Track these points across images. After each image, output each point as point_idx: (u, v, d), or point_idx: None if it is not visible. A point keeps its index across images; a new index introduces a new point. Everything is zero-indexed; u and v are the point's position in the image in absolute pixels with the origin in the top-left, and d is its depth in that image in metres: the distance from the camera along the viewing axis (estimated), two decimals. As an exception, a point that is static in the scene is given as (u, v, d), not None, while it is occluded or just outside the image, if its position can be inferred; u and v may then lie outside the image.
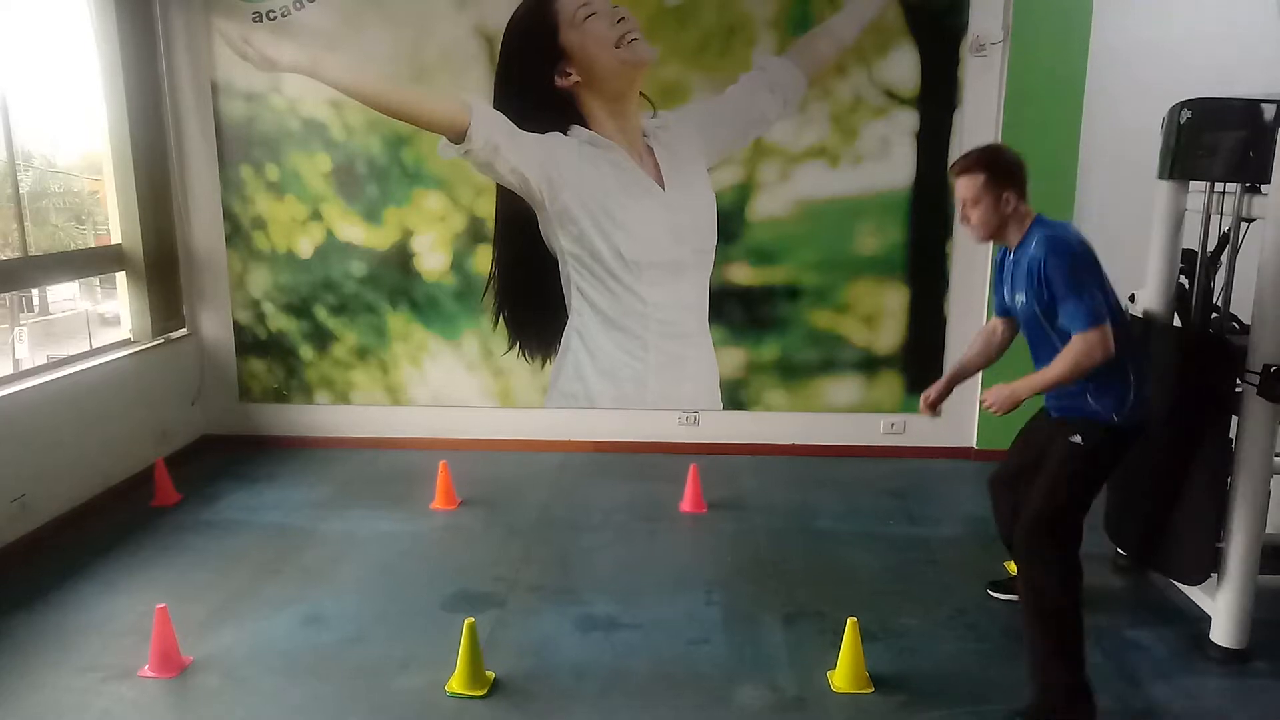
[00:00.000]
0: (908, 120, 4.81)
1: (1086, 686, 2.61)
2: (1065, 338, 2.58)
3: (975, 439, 5.11)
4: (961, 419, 5.11)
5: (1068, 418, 2.74)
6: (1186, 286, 3.32)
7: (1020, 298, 2.73)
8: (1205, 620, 3.14)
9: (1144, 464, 3.40)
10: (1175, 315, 3.35)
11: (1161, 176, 3.30)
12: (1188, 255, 3.31)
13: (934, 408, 3.11)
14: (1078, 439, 2.67)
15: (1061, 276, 2.55)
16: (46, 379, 4.10)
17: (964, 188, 2.70)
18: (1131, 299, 3.50)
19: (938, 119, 4.81)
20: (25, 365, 4.58)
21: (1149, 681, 2.89)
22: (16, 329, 6.91)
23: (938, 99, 4.79)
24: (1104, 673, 2.92)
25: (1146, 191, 3.47)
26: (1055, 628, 2.61)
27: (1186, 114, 3.13)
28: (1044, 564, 2.63)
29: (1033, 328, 2.75)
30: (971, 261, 4.94)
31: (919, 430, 5.14)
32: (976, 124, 4.80)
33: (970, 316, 4.99)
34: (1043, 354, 2.72)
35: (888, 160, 4.84)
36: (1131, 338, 2.75)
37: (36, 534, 3.90)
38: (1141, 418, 2.68)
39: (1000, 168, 2.67)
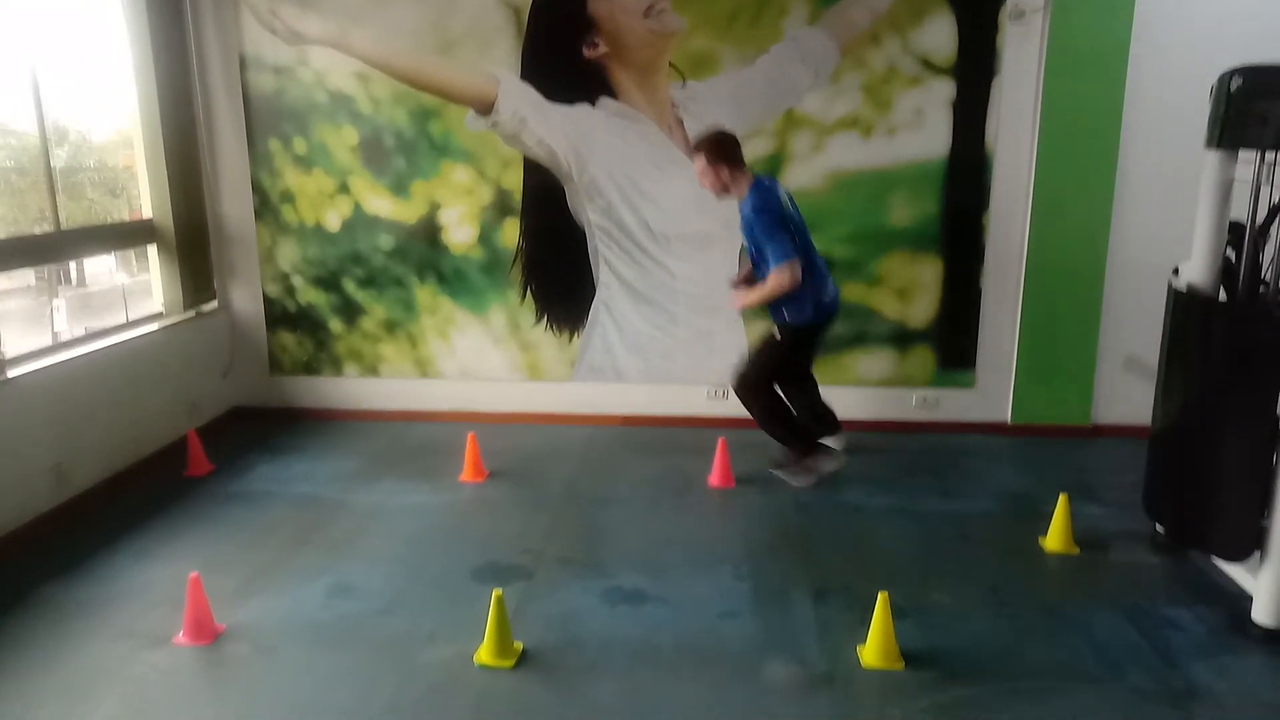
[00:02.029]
0: (943, 90, 4.70)
1: (811, 439, 4.24)
2: (768, 265, 3.82)
3: (1010, 414, 5.03)
4: (996, 393, 5.03)
5: (775, 322, 4.10)
6: (1233, 260, 3.22)
7: (745, 236, 3.95)
8: (1246, 599, 3.08)
9: (1184, 438, 3.33)
10: (1221, 289, 3.25)
11: (1210, 146, 3.19)
12: (1235, 227, 3.20)
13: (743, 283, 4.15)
14: (776, 334, 4.09)
15: (760, 228, 3.81)
16: (83, 351, 4.14)
17: (695, 164, 3.92)
18: (1175, 272, 3.41)
19: (975, 88, 4.70)
20: (64, 337, 4.64)
21: (1188, 661, 2.83)
22: (55, 301, 7.01)
23: (975, 68, 4.67)
24: (1142, 652, 2.87)
25: (1193, 161, 3.37)
26: (778, 424, 4.17)
27: (1237, 81, 3.02)
28: (755, 400, 4.13)
29: (752, 257, 3.98)
30: (1008, 233, 4.84)
31: (951, 405, 5.07)
32: (1015, 93, 4.68)
33: (1006, 288, 4.89)
34: (761, 274, 3.92)
35: (922, 131, 4.74)
36: (811, 262, 3.94)
37: (73, 503, 3.96)
38: (817, 320, 4.04)
39: (715, 151, 3.85)
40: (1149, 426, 3.63)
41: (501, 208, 4.97)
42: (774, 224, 3.78)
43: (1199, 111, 3.26)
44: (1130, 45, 4.55)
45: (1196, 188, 3.26)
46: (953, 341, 4.99)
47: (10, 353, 3.88)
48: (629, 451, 4.80)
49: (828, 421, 4.39)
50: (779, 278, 3.78)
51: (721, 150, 3.85)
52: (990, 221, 4.85)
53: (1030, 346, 4.91)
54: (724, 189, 3.90)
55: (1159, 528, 3.61)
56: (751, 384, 4.11)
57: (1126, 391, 4.91)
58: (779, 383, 4.21)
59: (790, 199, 3.99)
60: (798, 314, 3.96)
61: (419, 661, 2.84)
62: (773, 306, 4.00)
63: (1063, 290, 4.83)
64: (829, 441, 4.33)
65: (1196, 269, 3.27)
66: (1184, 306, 3.32)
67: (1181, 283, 3.34)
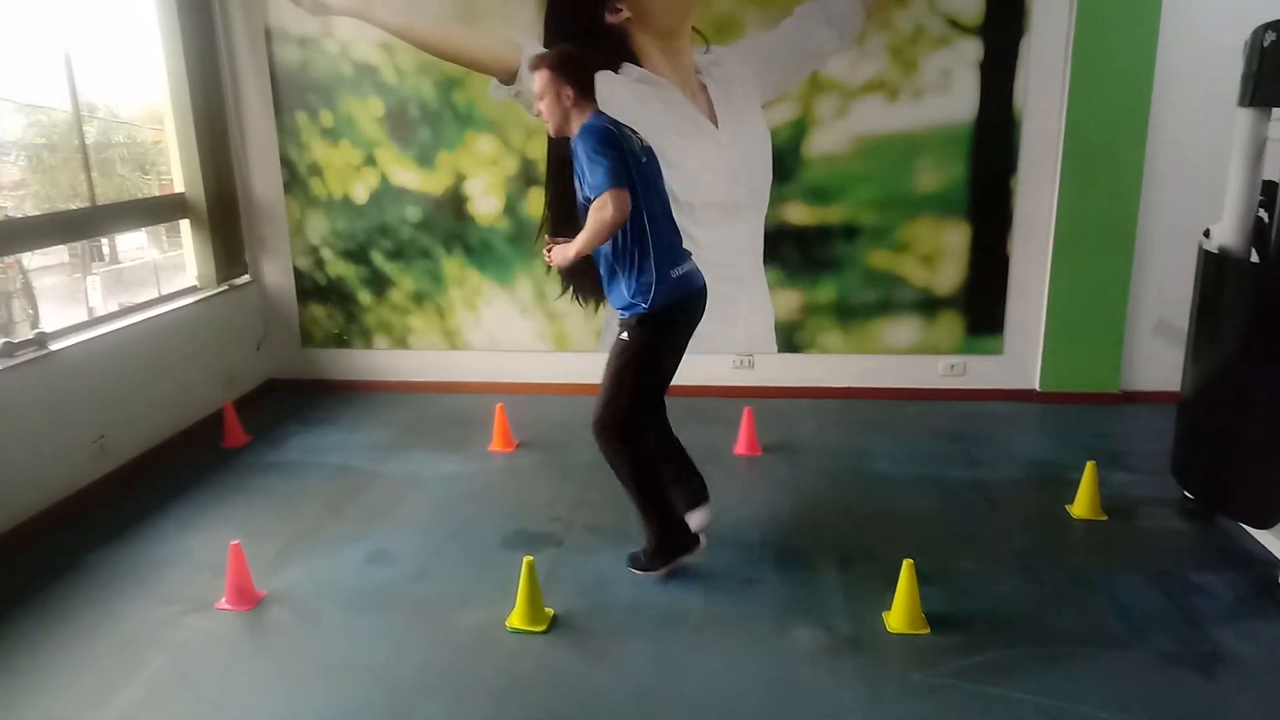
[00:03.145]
0: (971, 50, 4.62)
1: (678, 521, 3.15)
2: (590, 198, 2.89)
3: (1039, 381, 5.00)
4: (1024, 360, 5.00)
5: (621, 317, 3.08)
6: (1266, 220, 3.16)
7: (578, 184, 3.01)
8: (1275, 564, 3.07)
9: (1213, 404, 3.31)
10: (1253, 250, 3.20)
11: (1242, 104, 3.13)
12: (1268, 187, 3.15)
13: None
14: (624, 336, 3.05)
15: (584, 151, 2.87)
16: (119, 325, 4.23)
17: (535, 83, 3.01)
18: (1206, 234, 3.36)
19: (1003, 48, 4.62)
20: (99, 313, 4.73)
21: (1214, 626, 2.83)
22: (89, 278, 7.13)
23: (1004, 26, 4.59)
24: (1169, 617, 2.88)
25: (1226, 120, 3.31)
26: (638, 490, 3.09)
27: (1271, 36, 2.96)
28: (614, 454, 3.08)
29: (581, 206, 3.00)
30: (1037, 197, 4.78)
31: (979, 372, 5.04)
32: (1045, 52, 4.60)
33: (1034, 254, 4.84)
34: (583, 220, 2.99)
35: (949, 93, 4.68)
36: (657, 227, 3.01)
37: (115, 473, 4.07)
38: (673, 297, 3.01)
39: (561, 69, 2.97)
40: (1179, 392, 3.61)
41: (526, 178, 4.98)
42: (602, 146, 2.85)
43: (1232, 68, 3.20)
44: (1162, 2, 4.45)
45: (1229, 148, 3.21)
46: (981, 308, 4.95)
47: (49, 328, 3.98)
48: (655, 420, 4.82)
49: (694, 484, 3.33)
50: (598, 210, 2.82)
51: (574, 71, 3.00)
52: (1019, 185, 4.79)
53: (1059, 312, 4.87)
54: (564, 119, 3.01)
55: (1188, 494, 3.60)
56: (611, 425, 3.05)
57: (1157, 357, 4.86)
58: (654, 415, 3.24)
59: (645, 150, 3.09)
60: (644, 291, 2.99)
61: (453, 626, 2.91)
62: (611, 290, 3.11)
63: (1092, 254, 4.77)
64: (694, 516, 3.28)
65: (1228, 230, 3.23)
66: (1215, 269, 3.28)
67: (1213, 244, 3.30)
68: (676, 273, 3.05)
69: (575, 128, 3.00)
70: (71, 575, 3.28)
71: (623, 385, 3.05)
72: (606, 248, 3.01)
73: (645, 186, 2.99)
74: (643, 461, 3.11)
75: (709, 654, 2.74)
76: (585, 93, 3.02)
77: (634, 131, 3.10)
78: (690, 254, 3.21)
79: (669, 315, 3.04)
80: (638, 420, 3.11)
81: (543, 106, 3.03)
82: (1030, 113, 4.70)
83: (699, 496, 3.31)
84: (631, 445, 3.07)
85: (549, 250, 3.13)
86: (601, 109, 3.03)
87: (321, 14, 4.87)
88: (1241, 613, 2.91)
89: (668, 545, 3.14)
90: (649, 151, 3.13)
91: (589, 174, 2.86)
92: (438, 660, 2.73)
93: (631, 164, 2.92)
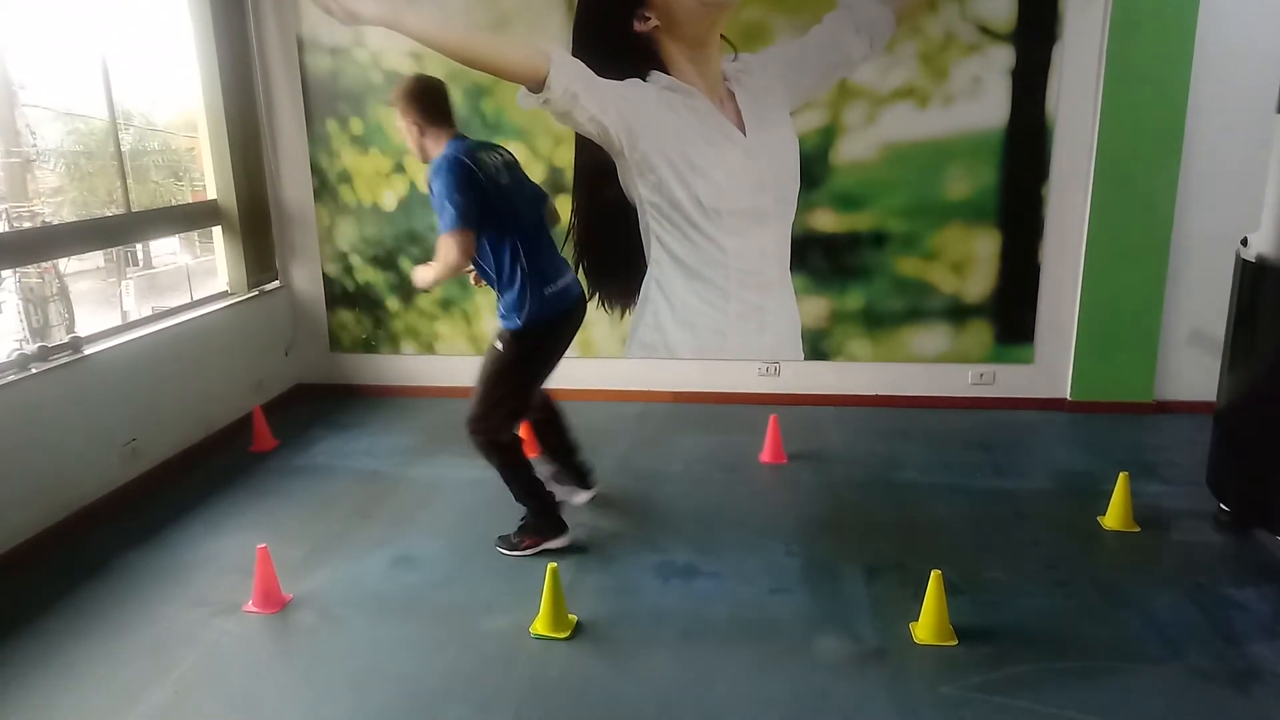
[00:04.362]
0: (1002, 56, 4.58)
1: (552, 506, 3.44)
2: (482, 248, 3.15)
3: (1069, 390, 4.93)
4: (1055, 369, 4.94)
5: (499, 325, 3.29)
6: (1306, 228, 3.11)
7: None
8: (1315, 580, 3.00)
9: (1251, 414, 3.24)
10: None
11: (1281, 110, 3.08)
12: (1308, 195, 3.09)
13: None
14: (498, 344, 3.29)
15: (436, 189, 3.02)
16: (151, 330, 4.29)
17: (397, 118, 3.20)
18: (1244, 242, 3.30)
19: (1035, 54, 4.58)
20: (132, 317, 4.81)
21: (1251, 642, 2.77)
22: (124, 282, 7.25)
23: (1036, 32, 4.55)
24: (1203, 632, 2.82)
25: (1264, 126, 3.25)
26: (512, 479, 3.37)
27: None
28: (487, 452, 3.32)
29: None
30: (1069, 204, 4.72)
31: (1009, 381, 4.99)
32: (1078, 57, 4.55)
33: (1066, 262, 4.78)
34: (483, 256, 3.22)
35: (980, 99, 4.64)
36: (530, 245, 3.17)
37: (146, 476, 4.13)
38: (544, 315, 3.21)
39: (403, 100, 3.13)
40: (1214, 403, 3.55)
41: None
42: (451, 187, 2.99)
43: (1270, 74, 3.14)
44: (1199, 6, 4.38)
45: (1267, 154, 3.15)
46: (1011, 316, 4.90)
47: (83, 332, 4.05)
48: (680, 428, 4.82)
49: (581, 472, 3.78)
50: (445, 249, 3.04)
51: (414, 101, 3.12)
52: (1050, 192, 4.74)
53: (1091, 320, 4.80)
54: (419, 146, 3.18)
55: (1223, 506, 3.53)
56: (483, 423, 3.26)
57: (1192, 366, 4.78)
58: (525, 417, 3.54)
59: (509, 166, 3.23)
60: (517, 309, 3.19)
61: (477, 631, 2.92)
62: (500, 314, 3.28)
63: (1126, 262, 4.70)
64: (578, 496, 3.75)
65: (1267, 238, 3.17)
66: (1253, 277, 3.22)
67: (1251, 253, 3.24)
68: (550, 290, 3.23)
69: (434, 153, 3.14)
70: (103, 575, 3.32)
71: (493, 391, 3.28)
72: (487, 263, 3.21)
73: (509, 206, 3.13)
74: (513, 454, 3.37)
75: (734, 664, 2.72)
76: (434, 119, 3.14)
77: (492, 147, 3.25)
78: (567, 265, 3.42)
79: (539, 331, 3.24)
80: (510, 420, 3.35)
81: (407, 139, 3.22)
82: (1063, 119, 4.64)
83: (584, 482, 3.78)
84: (502, 444, 3.33)
85: (414, 272, 3.37)
86: (460, 133, 3.21)
87: (352, 24, 4.92)
88: (1279, 628, 2.84)
89: (538, 527, 3.42)
90: (511, 166, 3.25)
91: (439, 212, 3.04)
92: (462, 666, 2.74)
93: (491, 191, 3.07)
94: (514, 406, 3.33)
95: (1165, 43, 4.45)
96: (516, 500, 3.42)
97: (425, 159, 3.18)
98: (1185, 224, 4.65)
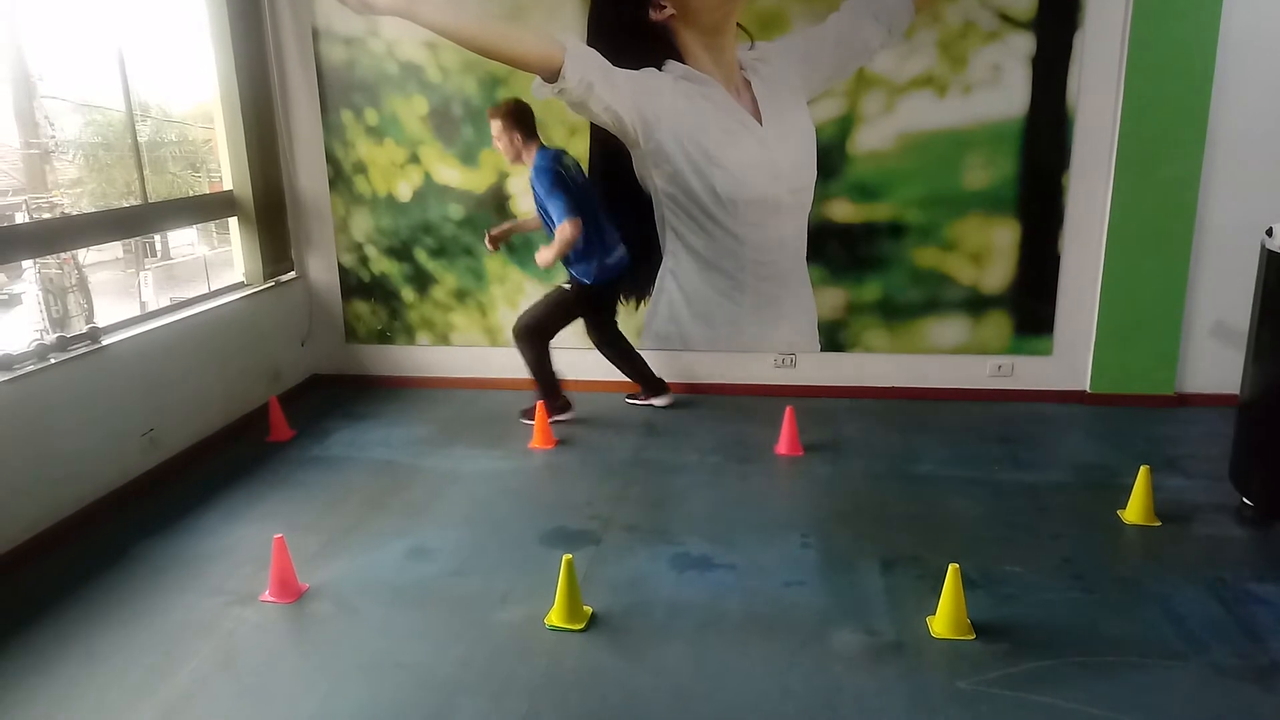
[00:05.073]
0: (1022, 44, 4.53)
1: (556, 387, 4.67)
2: (554, 224, 4.27)
3: (1089, 382, 4.88)
4: (1074, 361, 4.89)
5: (571, 275, 4.53)
6: (1334, 218, 3.06)
7: (537, 206, 4.39)
8: (1340, 576, 2.96)
9: (1275, 407, 3.20)
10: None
11: (1310, 97, 3.02)
12: (1337, 184, 3.04)
13: (495, 243, 4.69)
14: (566, 285, 4.56)
15: (541, 189, 4.26)
16: (169, 320, 4.31)
17: (493, 128, 4.34)
18: (1269, 233, 3.25)
19: (1056, 42, 4.52)
20: (150, 307, 4.83)
21: (1274, 637, 2.74)
22: (142, 273, 7.30)
23: (1057, 20, 4.49)
24: (1225, 627, 2.79)
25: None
26: (537, 372, 4.60)
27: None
28: (530, 346, 4.58)
29: (542, 218, 4.42)
30: (1090, 194, 4.67)
31: (1028, 372, 4.94)
32: (1100, 45, 4.49)
33: (1086, 253, 4.73)
34: (549, 234, 4.38)
35: (999, 88, 4.58)
36: (594, 228, 4.38)
37: (164, 466, 4.15)
38: (599, 280, 4.49)
39: (511, 117, 4.28)
40: (1237, 395, 3.50)
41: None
42: (553, 185, 4.19)
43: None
44: (1225, -8, 4.31)
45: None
46: (1030, 307, 4.85)
47: (102, 322, 4.07)
48: (696, 419, 4.81)
49: (653, 382, 4.90)
50: (561, 233, 4.21)
51: (517, 117, 4.28)
52: (1071, 182, 4.68)
53: (1111, 312, 4.75)
54: (516, 155, 4.33)
55: (1246, 500, 3.49)
56: (530, 329, 4.56)
57: (1213, 359, 4.72)
58: (600, 345, 4.78)
59: (576, 166, 4.43)
60: (584, 273, 4.45)
61: (492, 622, 2.92)
62: (567, 263, 4.45)
63: (1147, 253, 4.64)
64: (660, 400, 4.92)
65: (1293, 230, 3.12)
66: (1277, 269, 3.17)
67: (1276, 243, 3.19)
68: (609, 260, 4.51)
69: (527, 162, 4.34)
70: (121, 565, 3.34)
71: (551, 313, 4.58)
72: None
73: (584, 202, 4.31)
74: (544, 350, 4.60)
75: (749, 656, 2.71)
76: (530, 135, 4.32)
77: (566, 154, 4.42)
78: (619, 240, 4.61)
79: (599, 287, 4.54)
80: (548, 333, 4.59)
81: (500, 145, 4.35)
82: (1084, 108, 4.58)
83: (662, 389, 4.94)
84: (538, 346, 4.58)
85: (490, 240, 4.67)
86: (544, 143, 4.40)
87: (367, 14, 4.92)
88: (1304, 625, 2.81)
89: (548, 404, 4.58)
90: (578, 166, 4.47)
91: (549, 207, 4.25)
92: (476, 657, 2.74)
93: (573, 187, 4.26)
94: (555, 325, 4.59)
95: (1189, 29, 4.38)
96: (539, 388, 4.61)
97: (516, 162, 4.39)
98: (1208, 214, 4.59)
